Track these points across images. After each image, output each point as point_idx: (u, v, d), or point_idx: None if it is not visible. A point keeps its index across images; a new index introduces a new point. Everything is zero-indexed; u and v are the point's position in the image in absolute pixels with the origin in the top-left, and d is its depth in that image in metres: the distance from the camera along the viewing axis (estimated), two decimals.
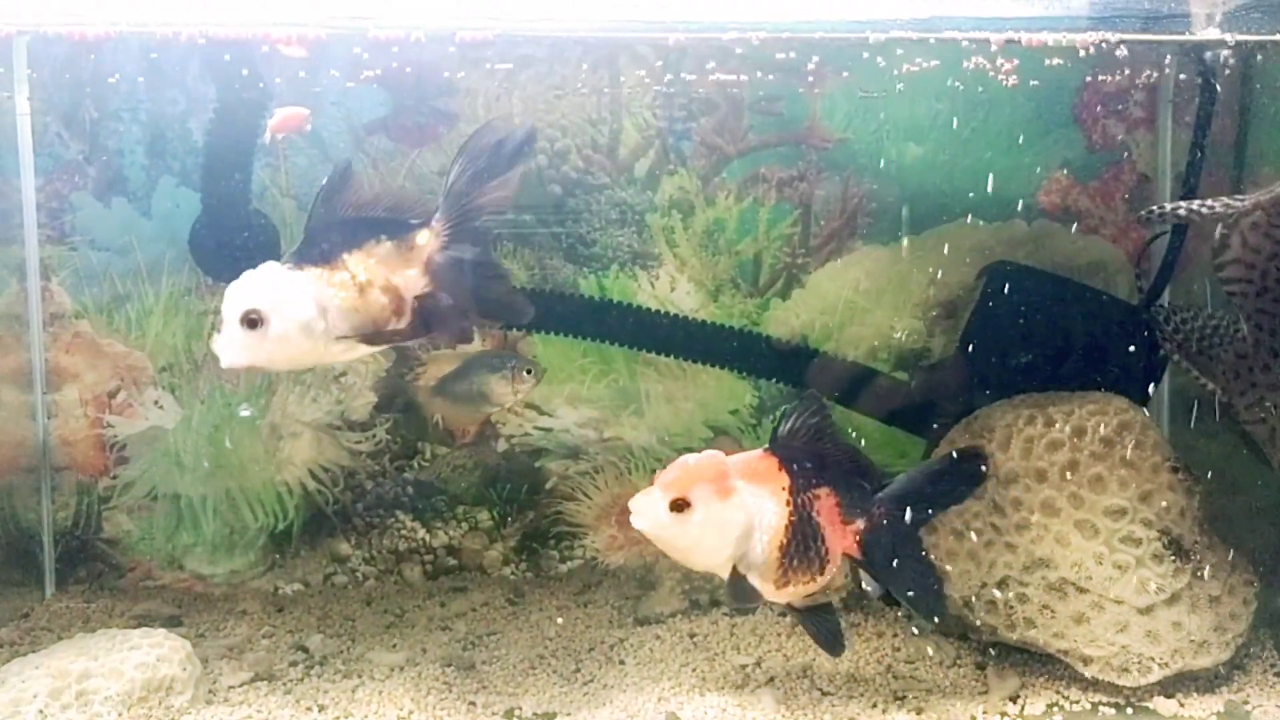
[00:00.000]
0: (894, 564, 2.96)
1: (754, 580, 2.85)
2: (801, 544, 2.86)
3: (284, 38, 3.20)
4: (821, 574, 2.91)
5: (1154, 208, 3.27)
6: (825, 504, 2.91)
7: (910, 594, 2.99)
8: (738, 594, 2.85)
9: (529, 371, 3.75)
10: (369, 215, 2.84)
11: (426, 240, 2.83)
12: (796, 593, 2.90)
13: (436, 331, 2.88)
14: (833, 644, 2.98)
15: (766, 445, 2.93)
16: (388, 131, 3.93)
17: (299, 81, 3.67)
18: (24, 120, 3.71)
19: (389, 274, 2.78)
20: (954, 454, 3.12)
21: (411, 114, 3.90)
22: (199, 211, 3.81)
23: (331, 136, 3.96)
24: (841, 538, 2.94)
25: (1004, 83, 3.64)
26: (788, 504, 2.85)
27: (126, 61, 3.53)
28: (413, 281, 2.82)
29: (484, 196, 2.87)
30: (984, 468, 3.13)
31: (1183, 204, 3.16)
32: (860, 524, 2.95)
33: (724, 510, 2.77)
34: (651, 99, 4.00)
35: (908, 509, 2.97)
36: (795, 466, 2.88)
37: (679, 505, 2.74)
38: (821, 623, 2.97)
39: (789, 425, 2.94)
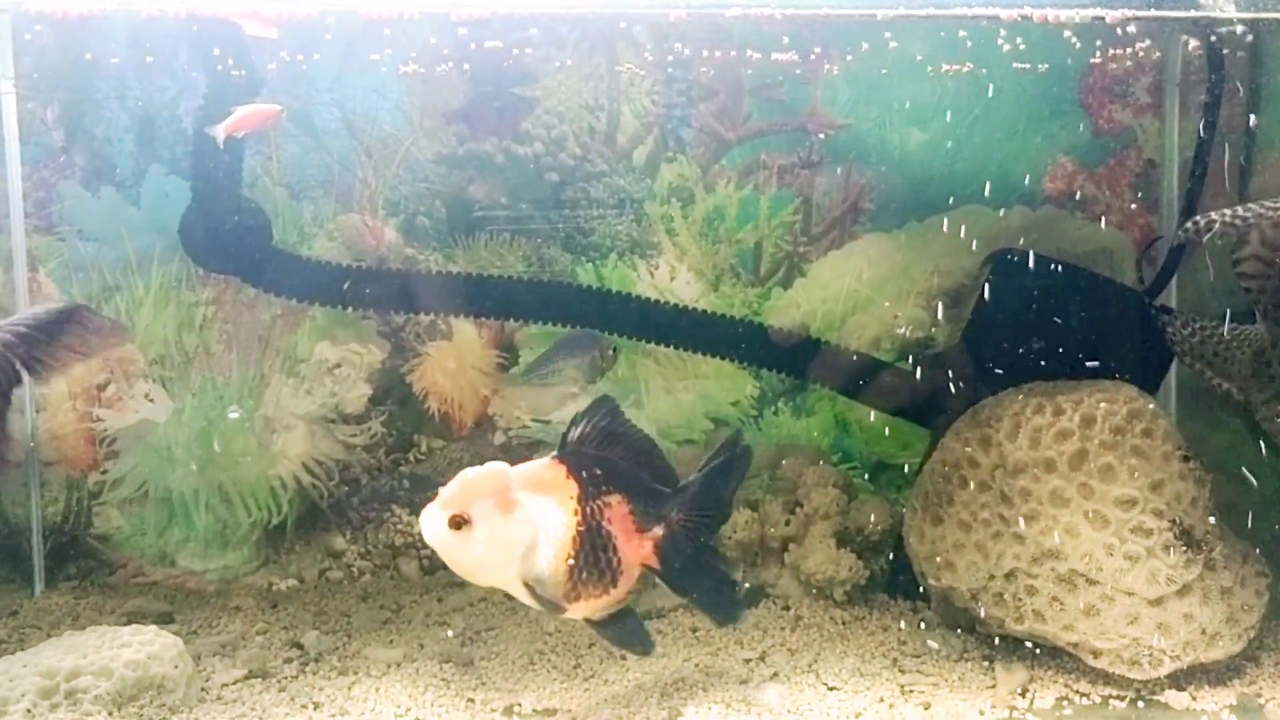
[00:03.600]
0: (693, 570, 2.84)
1: (544, 595, 2.68)
2: (592, 555, 2.70)
3: (253, 14, 3.12)
4: (615, 585, 2.75)
5: (1194, 221, 3.16)
6: (618, 512, 2.75)
7: (706, 600, 2.89)
8: (545, 606, 2.70)
9: (613, 351, 3.75)
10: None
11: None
12: (589, 607, 2.75)
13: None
14: (640, 646, 2.86)
15: (555, 452, 2.78)
16: (467, 120, 3.86)
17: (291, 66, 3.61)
18: (9, 101, 3.63)
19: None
20: (722, 445, 2.99)
21: (490, 101, 3.82)
22: (189, 200, 3.74)
23: (324, 124, 3.90)
24: (638, 547, 2.78)
25: (1009, 66, 3.60)
26: (576, 514, 2.69)
27: (113, 43, 3.46)
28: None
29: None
30: (750, 451, 3.02)
31: (1220, 214, 3.07)
32: (658, 532, 2.80)
33: (507, 525, 2.61)
34: (650, 84, 3.94)
35: (705, 511, 2.86)
36: (585, 474, 2.72)
37: (459, 522, 2.58)
38: (623, 629, 2.82)
39: (579, 430, 2.80)
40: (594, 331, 3.80)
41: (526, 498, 2.65)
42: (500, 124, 3.82)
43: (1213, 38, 3.52)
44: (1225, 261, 3.81)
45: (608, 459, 2.79)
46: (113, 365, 3.87)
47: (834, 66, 3.87)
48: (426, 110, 3.92)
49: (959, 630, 3.40)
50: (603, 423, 2.83)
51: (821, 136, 3.98)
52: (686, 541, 2.82)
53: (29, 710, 2.77)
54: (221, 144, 3.40)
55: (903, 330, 3.99)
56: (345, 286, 3.80)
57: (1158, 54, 3.88)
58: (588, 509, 2.70)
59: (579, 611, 2.76)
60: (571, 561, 2.68)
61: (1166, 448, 3.25)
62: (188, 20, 3.01)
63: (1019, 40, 3.50)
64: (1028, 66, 3.68)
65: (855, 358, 3.97)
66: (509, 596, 3.78)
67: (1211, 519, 3.23)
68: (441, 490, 2.62)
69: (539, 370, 3.77)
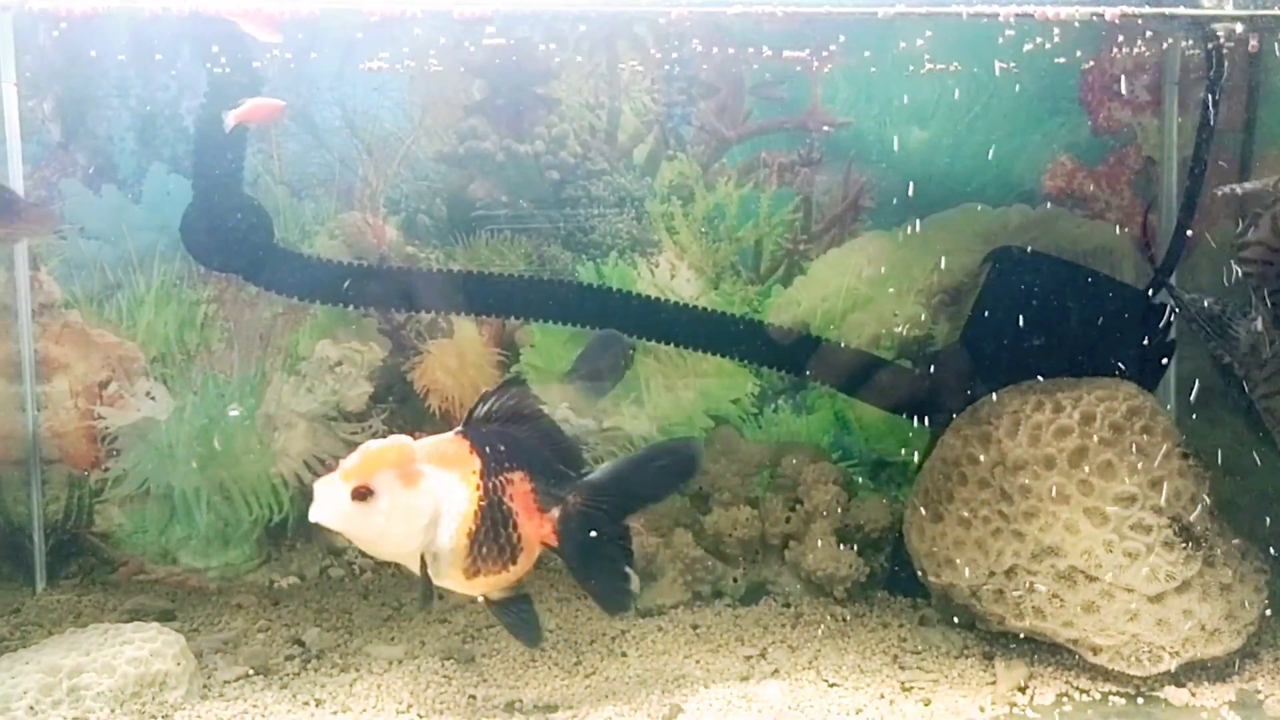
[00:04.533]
0: (589, 554, 2.84)
1: (442, 569, 2.70)
2: (492, 531, 2.72)
3: (254, 15, 3.12)
4: (514, 563, 2.76)
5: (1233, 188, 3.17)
6: (520, 489, 2.77)
7: (598, 587, 2.90)
8: (424, 591, 2.71)
9: (632, 350, 3.84)
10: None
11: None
12: (489, 583, 2.76)
13: None
14: (530, 635, 2.87)
15: (459, 428, 2.79)
16: (485, 115, 3.86)
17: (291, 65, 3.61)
18: (10, 99, 3.63)
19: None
20: (663, 445, 3.01)
21: (510, 98, 3.82)
22: (191, 198, 3.74)
23: (324, 122, 3.90)
24: (538, 526, 2.79)
25: (1008, 64, 3.60)
26: (478, 489, 2.70)
27: (115, 41, 3.46)
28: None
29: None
30: (695, 461, 3.02)
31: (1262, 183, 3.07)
32: (557, 512, 2.81)
33: (410, 497, 2.62)
34: (650, 82, 3.94)
35: (610, 498, 2.85)
36: (488, 450, 2.74)
37: (362, 493, 2.58)
38: (516, 613, 2.84)
39: (486, 407, 2.81)
40: (616, 331, 3.82)
41: (430, 471, 2.67)
42: (519, 122, 3.82)
43: (1214, 37, 3.52)
44: (1225, 255, 3.83)
45: (512, 436, 2.80)
46: (114, 363, 3.87)
47: (833, 64, 3.87)
48: (428, 107, 3.92)
49: (959, 627, 3.41)
50: (511, 402, 2.83)
51: (826, 130, 3.98)
52: (585, 524, 2.83)
53: (32, 707, 2.78)
54: (229, 131, 3.39)
55: (902, 329, 3.99)
56: (346, 284, 3.81)
57: (1156, 51, 3.89)
58: (490, 484, 2.72)
59: (477, 588, 2.77)
60: (472, 537, 2.69)
61: (1166, 444, 3.25)
62: (190, 18, 3.01)
63: (1018, 37, 3.51)
64: (1013, 67, 3.68)
65: (855, 355, 3.98)
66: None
67: (1211, 515, 3.23)
68: (342, 461, 2.63)
69: (581, 370, 3.78)
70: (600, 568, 2.88)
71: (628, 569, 2.91)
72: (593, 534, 2.83)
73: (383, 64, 3.75)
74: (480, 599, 2.83)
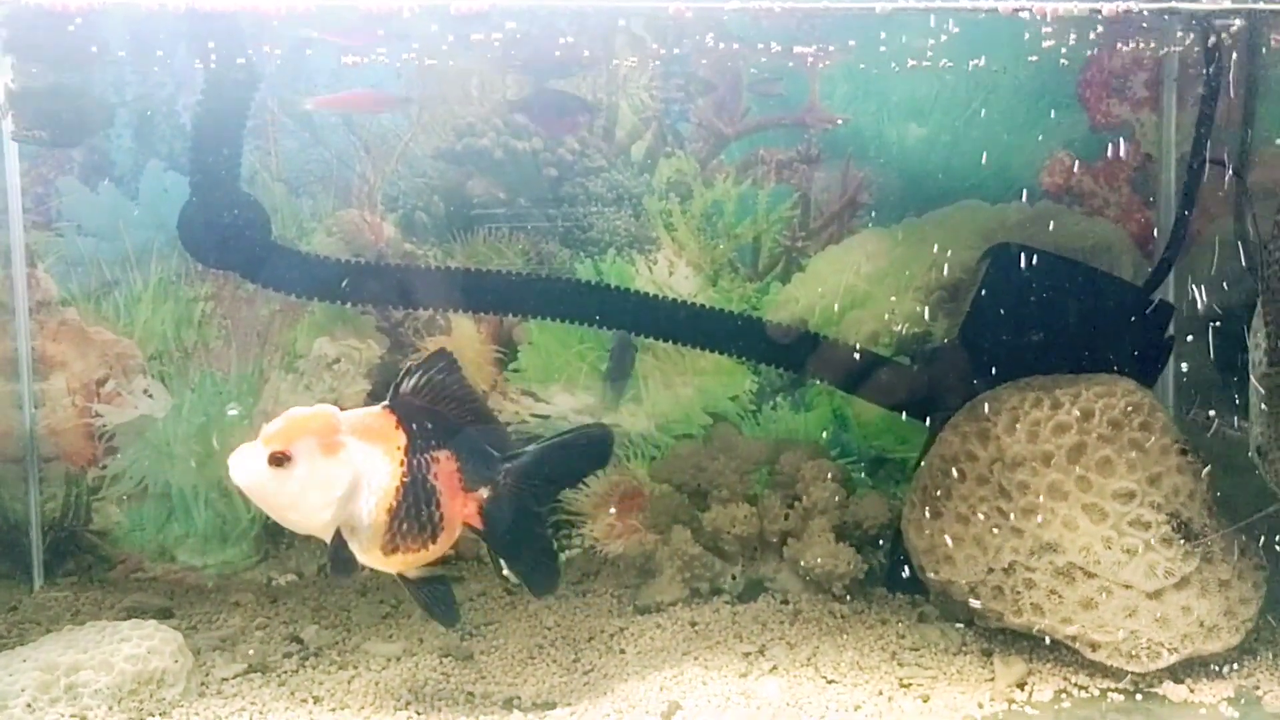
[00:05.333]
0: (516, 536, 2.83)
1: (360, 544, 2.66)
2: (414, 508, 2.68)
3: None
4: (434, 542, 2.73)
5: None
6: (445, 468, 2.73)
7: (525, 569, 2.88)
8: (337, 562, 2.68)
9: (635, 350, 3.93)
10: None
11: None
12: (406, 560, 2.73)
13: None
14: (446, 615, 2.85)
15: (386, 402, 2.75)
16: (528, 112, 3.85)
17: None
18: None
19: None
20: (580, 430, 3.01)
21: (553, 98, 3.81)
22: (188, 195, 3.73)
23: (323, 119, 3.90)
24: (462, 505, 2.77)
25: (1007, 60, 3.59)
26: (401, 464, 2.67)
27: (111, 37, 3.45)
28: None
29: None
30: (609, 447, 3.02)
31: None
32: (483, 493, 2.79)
33: (329, 466, 2.58)
34: (648, 79, 3.93)
35: (536, 481, 2.84)
36: (414, 425, 2.70)
37: (280, 459, 2.54)
38: (433, 593, 2.81)
39: (412, 381, 2.76)
40: (626, 334, 3.85)
41: (352, 442, 2.63)
42: (559, 123, 3.82)
43: (1210, 33, 3.51)
44: (1225, 253, 3.83)
45: (439, 414, 2.77)
46: (112, 361, 3.87)
47: (831, 61, 3.86)
48: (425, 104, 3.92)
49: (958, 623, 3.41)
50: (438, 377, 2.79)
51: (824, 127, 3.98)
52: (511, 506, 2.81)
53: (29, 705, 2.78)
54: (310, 110, 3.49)
55: (901, 326, 3.99)
56: (344, 282, 3.81)
57: (1155, 48, 3.88)
58: (414, 461, 2.69)
59: (394, 565, 2.74)
60: (392, 513, 2.66)
61: (1164, 441, 3.25)
62: (186, 15, 3.00)
63: (1017, 32, 3.50)
64: (1011, 62, 3.68)
65: (853, 353, 3.98)
66: (508, 591, 3.82)
67: (1209, 512, 3.23)
68: (264, 426, 2.59)
69: (610, 375, 3.86)
70: (527, 550, 2.87)
71: (555, 553, 2.93)
72: (515, 516, 2.81)
73: (375, 58, 3.74)
74: (396, 576, 2.80)
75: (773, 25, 3.49)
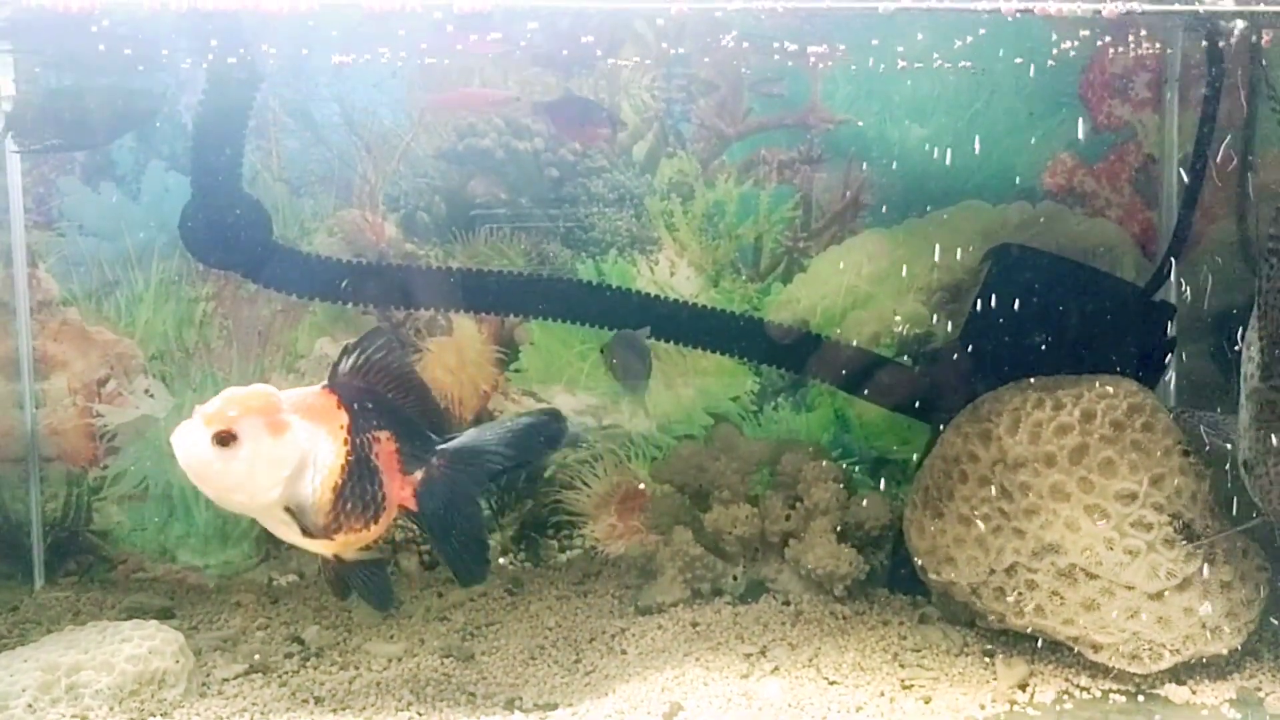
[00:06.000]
0: (449, 521, 2.78)
1: (303, 524, 2.62)
2: (358, 487, 2.66)
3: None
4: (375, 522, 2.70)
5: None
6: (385, 449, 2.70)
7: (454, 556, 2.82)
8: (334, 584, 2.68)
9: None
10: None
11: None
12: (348, 541, 2.70)
13: None
14: (381, 599, 2.82)
15: (325, 381, 2.72)
16: (551, 116, 3.85)
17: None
18: (8, 94, 3.63)
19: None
20: (531, 414, 2.95)
21: (579, 106, 3.82)
22: (189, 195, 3.73)
23: (324, 119, 3.89)
24: (400, 487, 2.74)
25: (1009, 61, 3.59)
26: (345, 443, 2.63)
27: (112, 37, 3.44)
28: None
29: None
30: (562, 429, 2.95)
31: None
32: (419, 475, 2.76)
33: (276, 445, 2.54)
34: (650, 79, 3.93)
35: (473, 466, 2.80)
36: (356, 405, 2.67)
37: (224, 438, 2.50)
38: (370, 577, 2.78)
39: (351, 361, 2.72)
40: (629, 330, 3.83)
41: (297, 421, 2.59)
42: (582, 130, 3.81)
43: (1214, 29, 3.51)
44: (1226, 254, 3.84)
45: (380, 394, 2.74)
46: (113, 361, 3.86)
47: (834, 61, 3.86)
48: (426, 104, 3.91)
49: (959, 625, 3.40)
50: (376, 356, 2.75)
51: (826, 127, 3.98)
52: (446, 490, 2.77)
53: (30, 705, 2.77)
54: (429, 112, 3.50)
55: (902, 327, 3.99)
56: (345, 282, 3.81)
57: (1157, 48, 3.88)
58: (357, 440, 2.66)
59: (335, 547, 2.71)
60: (337, 492, 2.63)
61: (1167, 442, 3.25)
62: (189, 14, 3.00)
63: (1019, 32, 3.50)
64: (1014, 63, 3.68)
65: (855, 353, 3.98)
66: (510, 591, 3.82)
67: (1211, 513, 3.23)
68: (200, 407, 2.55)
69: (617, 374, 3.82)
70: (459, 535, 2.82)
71: (485, 540, 2.87)
72: (449, 501, 2.77)
73: (368, 57, 3.74)
74: (332, 558, 2.76)
75: (775, 25, 3.49)
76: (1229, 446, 2.98)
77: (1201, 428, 3.03)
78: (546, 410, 2.96)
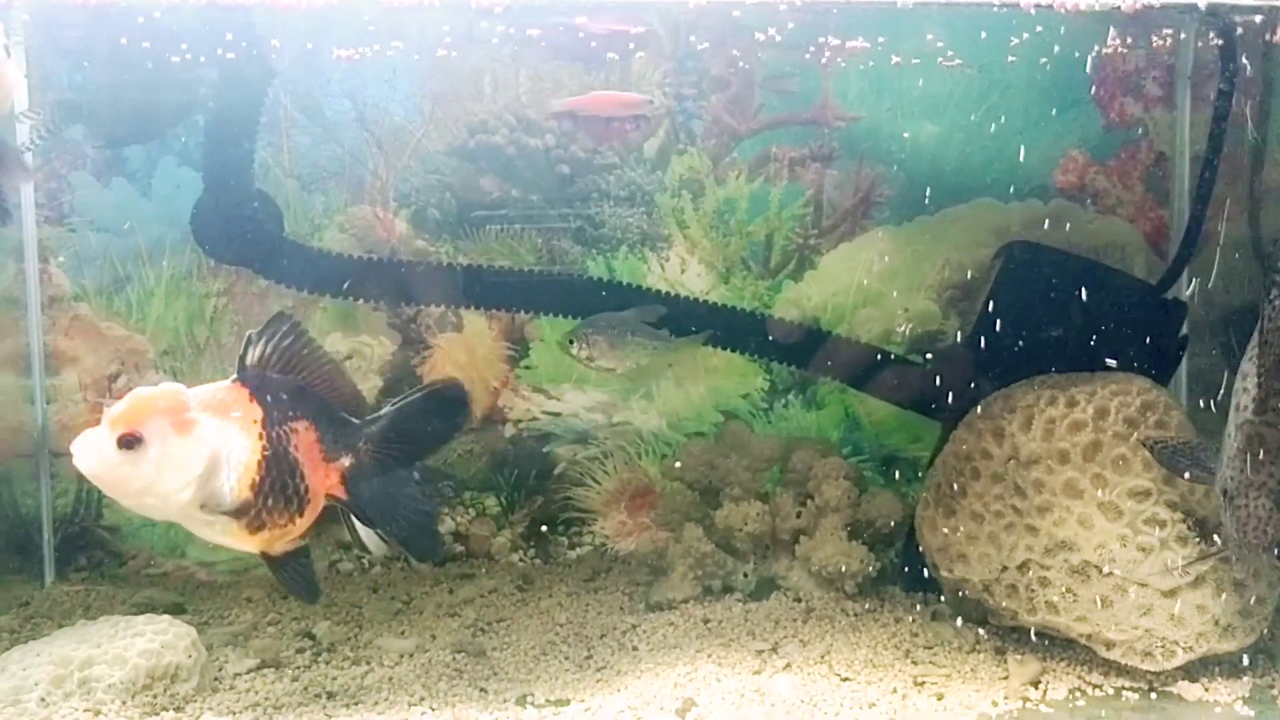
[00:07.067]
0: (388, 503, 2.74)
1: (224, 524, 2.58)
2: (278, 482, 2.59)
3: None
4: (300, 516, 2.65)
5: None
6: (305, 439, 2.64)
7: (403, 535, 2.78)
8: (293, 586, 2.64)
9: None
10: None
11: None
12: (272, 538, 2.65)
13: None
14: (307, 591, 2.78)
15: (235, 376, 2.65)
16: (574, 115, 3.85)
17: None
18: (20, 90, 3.61)
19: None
20: (431, 387, 2.90)
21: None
22: (201, 191, 3.73)
23: (335, 115, 3.89)
24: (324, 476, 2.68)
25: (1022, 58, 3.57)
26: (260, 438, 2.57)
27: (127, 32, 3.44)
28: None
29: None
30: (464, 397, 2.93)
31: None
32: (345, 461, 2.70)
33: (184, 445, 2.48)
34: (661, 75, 3.93)
35: (400, 445, 2.76)
36: (269, 397, 2.60)
37: (129, 441, 2.44)
38: (295, 569, 2.73)
39: (258, 351, 2.64)
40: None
41: (206, 419, 2.54)
42: (606, 130, 3.81)
43: (1227, 24, 3.50)
44: (1235, 253, 3.83)
45: (293, 383, 2.68)
46: (124, 356, 3.86)
47: (846, 57, 3.86)
48: (438, 100, 3.91)
49: (971, 622, 3.40)
50: (284, 343, 2.68)
51: (838, 124, 3.97)
52: (376, 472, 2.73)
53: (43, 699, 2.77)
54: (555, 114, 3.53)
55: (910, 325, 3.98)
56: (356, 278, 3.81)
57: (1170, 45, 3.87)
58: (273, 433, 2.60)
59: (259, 544, 2.66)
60: (256, 488, 2.58)
61: (1180, 439, 3.23)
62: (204, 9, 3.00)
63: (1031, 29, 3.50)
64: (1026, 60, 3.66)
65: (865, 351, 3.97)
66: (520, 589, 3.81)
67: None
68: (108, 409, 2.50)
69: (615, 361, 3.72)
70: (402, 514, 2.78)
71: (432, 514, 2.87)
72: (382, 482, 2.74)
73: (370, 51, 3.73)
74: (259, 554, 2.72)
75: (787, 20, 3.48)
76: (1205, 474, 2.96)
77: (1176, 458, 3.01)
78: (448, 380, 2.92)
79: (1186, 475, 3.00)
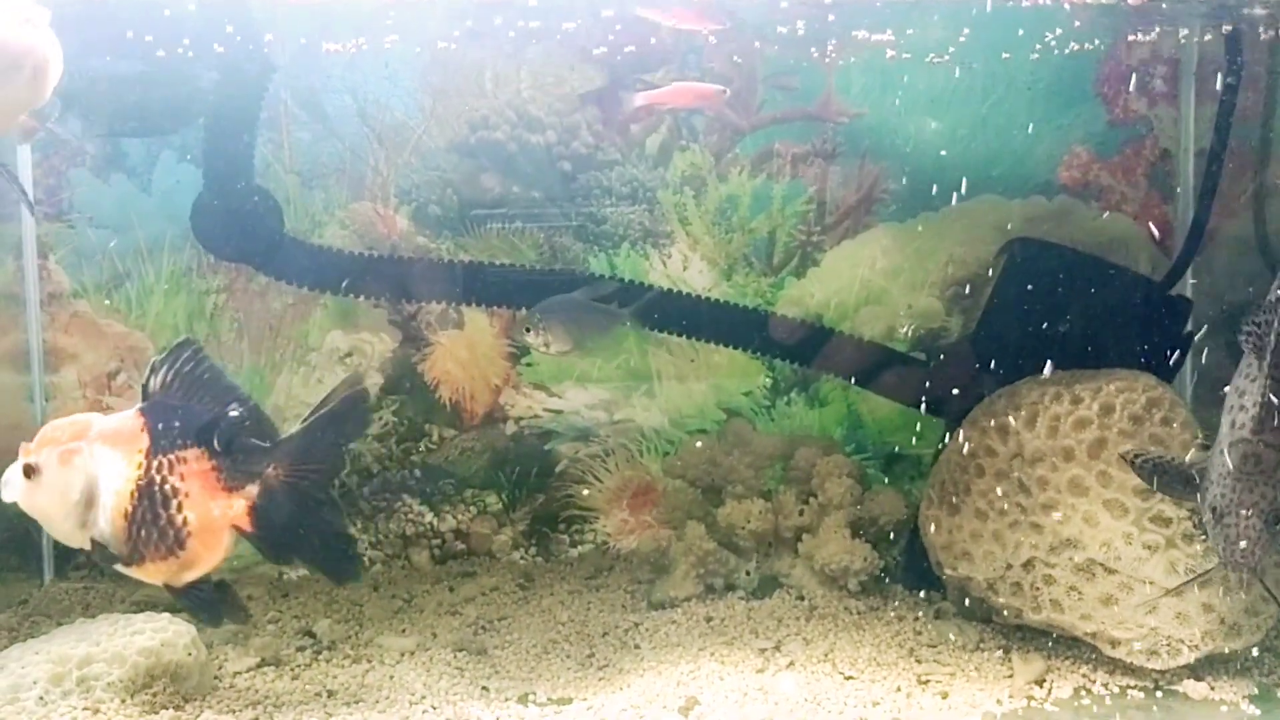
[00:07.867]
0: (302, 528, 2.65)
1: (111, 554, 2.58)
2: (150, 513, 2.56)
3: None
4: (183, 549, 2.59)
5: None
6: (196, 468, 2.59)
7: (320, 560, 2.73)
8: (103, 559, 2.59)
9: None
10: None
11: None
12: (156, 570, 2.61)
13: None
14: (210, 617, 2.73)
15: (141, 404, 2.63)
16: (600, 104, 3.83)
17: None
18: None
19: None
20: (335, 391, 2.76)
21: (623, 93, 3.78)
22: (201, 187, 3.71)
23: (335, 111, 3.88)
24: (225, 507, 2.61)
25: (1025, 54, 3.56)
26: (139, 466, 2.55)
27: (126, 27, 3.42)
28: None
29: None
30: (367, 397, 2.81)
31: None
32: (252, 491, 2.62)
33: (64, 474, 2.52)
34: (663, 71, 3.91)
35: (315, 463, 2.67)
36: (161, 426, 2.57)
37: (28, 470, 2.51)
38: (194, 597, 2.68)
39: (159, 378, 2.61)
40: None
41: (94, 449, 2.55)
42: (626, 119, 3.79)
43: (1232, 21, 3.49)
44: (1239, 250, 3.81)
45: (192, 410, 2.62)
46: (123, 353, 3.85)
47: (848, 54, 3.84)
48: (439, 95, 3.90)
49: (976, 620, 3.38)
50: (185, 369, 2.64)
51: (840, 121, 3.95)
52: (288, 500, 2.65)
53: (41, 697, 2.75)
54: (632, 110, 3.49)
55: (913, 322, 3.97)
56: (357, 275, 3.79)
57: (1174, 40, 3.86)
58: (153, 463, 2.57)
59: (145, 574, 2.63)
60: (129, 518, 2.56)
61: (1185, 436, 3.22)
62: (204, 5, 2.99)
63: (1036, 26, 3.48)
64: (1030, 57, 3.65)
65: (869, 348, 3.96)
66: (521, 586, 3.80)
67: None
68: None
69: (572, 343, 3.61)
70: (314, 540, 2.70)
71: (348, 535, 2.81)
72: (295, 509, 2.65)
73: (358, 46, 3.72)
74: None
75: (789, 16, 3.46)
76: (1187, 490, 2.93)
77: (1158, 476, 2.99)
78: (346, 379, 2.84)
79: (1166, 492, 2.98)
